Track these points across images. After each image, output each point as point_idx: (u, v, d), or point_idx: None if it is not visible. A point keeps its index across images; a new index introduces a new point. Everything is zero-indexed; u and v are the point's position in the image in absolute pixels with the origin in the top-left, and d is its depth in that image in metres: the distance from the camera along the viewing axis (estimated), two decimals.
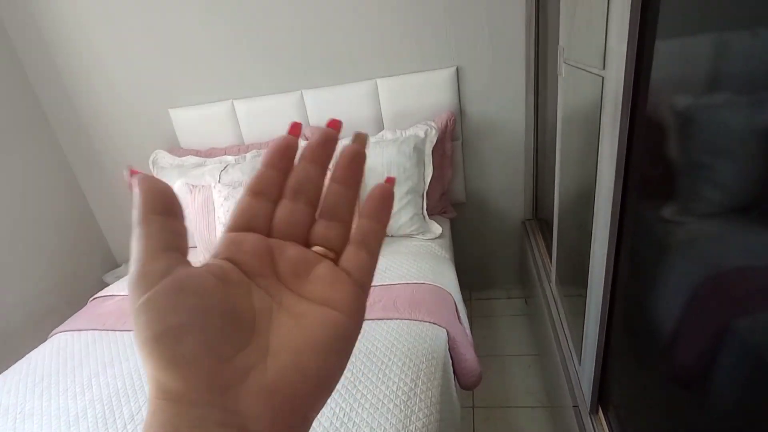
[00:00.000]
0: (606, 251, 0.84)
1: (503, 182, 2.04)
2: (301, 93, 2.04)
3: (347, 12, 1.86)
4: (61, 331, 1.57)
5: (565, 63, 1.16)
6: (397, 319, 1.27)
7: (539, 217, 2.00)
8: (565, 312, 1.32)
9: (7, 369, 1.42)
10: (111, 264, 2.63)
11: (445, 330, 1.25)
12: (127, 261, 2.52)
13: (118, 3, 1.99)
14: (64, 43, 2.10)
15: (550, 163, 1.86)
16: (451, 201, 2.06)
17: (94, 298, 1.78)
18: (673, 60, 0.72)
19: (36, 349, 1.48)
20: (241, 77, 2.07)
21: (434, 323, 1.25)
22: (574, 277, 1.36)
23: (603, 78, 0.82)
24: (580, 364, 1.08)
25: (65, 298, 2.30)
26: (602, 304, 0.88)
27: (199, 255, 1.87)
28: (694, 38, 0.68)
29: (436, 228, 1.76)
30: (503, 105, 1.89)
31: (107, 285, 2.43)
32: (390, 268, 1.55)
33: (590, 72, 0.91)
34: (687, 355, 0.80)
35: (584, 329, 1.00)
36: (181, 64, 2.08)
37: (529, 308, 2.05)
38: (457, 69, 1.87)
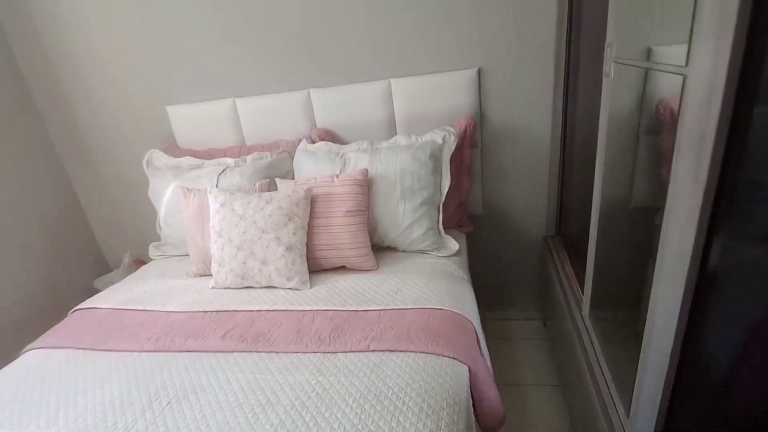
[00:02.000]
0: (681, 292, 0.68)
1: (524, 194, 1.87)
2: (309, 92, 1.89)
3: (360, 6, 1.71)
4: (34, 348, 1.41)
5: (614, 62, 1.00)
6: (411, 351, 1.11)
7: (563, 233, 1.84)
8: (600, 347, 1.16)
9: None
10: (102, 268, 2.47)
11: (467, 367, 1.09)
12: (119, 266, 2.37)
13: None
14: (55, 34, 1.96)
15: (578, 175, 1.70)
16: (467, 213, 1.90)
17: (75, 311, 1.62)
18: None
19: (4, 369, 1.33)
20: (244, 73, 1.93)
21: (454, 358, 1.09)
22: (616, 309, 1.20)
23: (685, 77, 0.67)
24: (628, 416, 0.91)
25: (52, 306, 2.15)
26: (670, 358, 0.71)
27: (192, 266, 1.71)
28: None
29: (453, 244, 1.60)
30: (528, 110, 1.74)
31: (98, 291, 2.29)
32: (402, 289, 1.39)
33: (661, 70, 0.75)
34: None
35: (638, 379, 0.84)
36: (180, 58, 1.94)
37: (549, 332, 1.88)
38: (479, 70, 1.71)
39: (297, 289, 1.49)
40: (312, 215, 1.56)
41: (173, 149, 2.09)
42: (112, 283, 2.29)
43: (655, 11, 0.95)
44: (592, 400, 1.09)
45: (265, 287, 1.54)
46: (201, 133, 2.06)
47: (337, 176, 1.58)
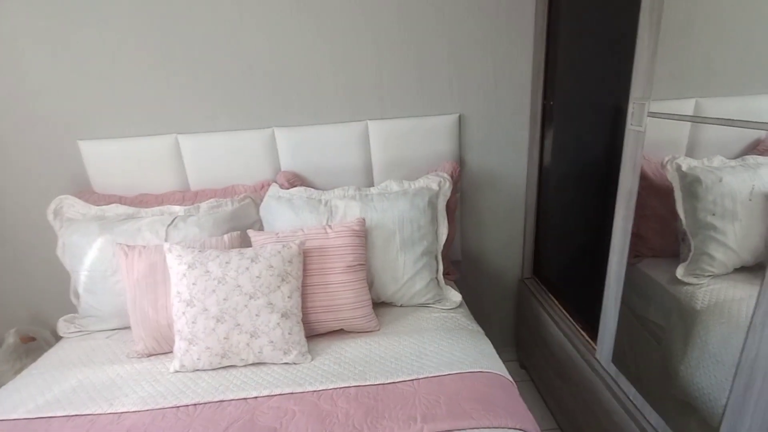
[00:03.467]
0: None
1: (501, 238, 1.89)
2: (273, 131, 1.69)
3: (335, 40, 1.60)
4: None
5: (649, 115, 1.06)
6: (474, 429, 0.98)
7: (540, 275, 1.89)
8: (634, 392, 1.17)
9: None
10: None
11: None
12: None
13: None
14: None
15: (554, 219, 1.77)
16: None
17: None
18: None
19: None
20: (190, 106, 1.65)
21: (521, 429, 0.99)
22: (642, 356, 1.22)
23: None
24: None
25: None
26: None
27: (137, 343, 1.35)
28: None
29: (454, 295, 1.52)
30: (505, 156, 1.78)
31: None
32: (425, 352, 1.25)
33: (748, 127, 0.79)
34: None
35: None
36: (101, 82, 1.59)
37: (532, 374, 1.88)
38: (460, 116, 1.71)
39: (296, 364, 1.25)
40: (304, 273, 1.35)
41: (88, 194, 1.68)
42: None
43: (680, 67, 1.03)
44: None
45: (251, 365, 1.26)
46: (127, 175, 1.70)
47: (330, 226, 1.41)
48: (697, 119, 0.96)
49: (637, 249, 1.30)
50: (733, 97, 0.91)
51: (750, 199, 0.88)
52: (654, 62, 1.04)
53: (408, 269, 1.46)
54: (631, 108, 1.12)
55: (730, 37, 0.88)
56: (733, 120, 0.85)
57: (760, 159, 0.90)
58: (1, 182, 1.67)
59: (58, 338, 1.58)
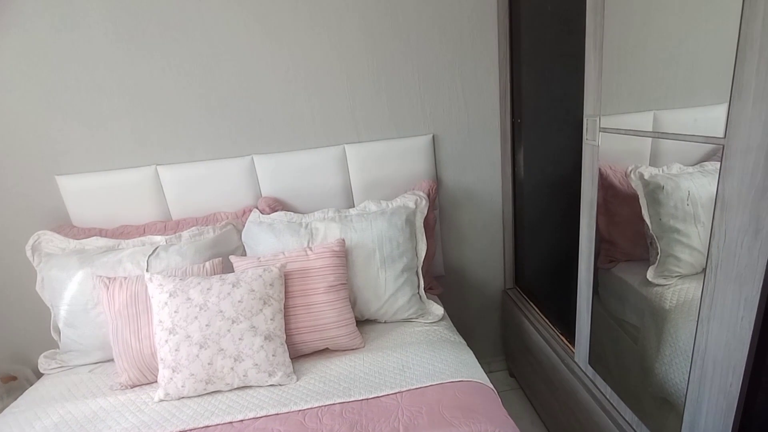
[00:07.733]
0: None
1: (482, 251, 1.95)
2: (252, 158, 1.73)
3: (310, 71, 1.67)
4: None
5: (602, 131, 1.14)
6: None
7: (521, 285, 1.94)
8: (610, 391, 1.21)
9: None
10: None
11: None
12: None
13: None
14: None
15: (530, 230, 1.84)
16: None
17: None
18: None
19: None
20: (168, 138, 1.69)
21: None
22: (617, 355, 1.27)
23: (723, 146, 0.78)
24: None
25: None
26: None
27: (121, 375, 1.34)
28: None
29: (437, 309, 1.55)
30: (480, 173, 1.85)
31: None
32: (408, 365, 1.28)
33: (694, 141, 0.87)
34: None
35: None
36: (76, 117, 1.62)
37: (522, 382, 1.91)
38: (434, 137, 1.78)
39: (281, 385, 1.26)
40: (287, 295, 1.37)
41: (67, 229, 1.68)
42: None
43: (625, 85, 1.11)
44: None
45: (237, 389, 1.27)
46: (108, 208, 1.71)
47: (311, 248, 1.44)
48: (640, 133, 1.03)
49: (611, 254, 1.36)
50: (687, 109, 0.98)
51: (687, 204, 0.95)
52: (601, 81, 1.12)
53: (389, 286, 1.49)
54: (585, 124, 1.20)
55: (677, 56, 0.96)
56: (668, 133, 0.93)
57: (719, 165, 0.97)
58: None
59: (39, 375, 1.56)
